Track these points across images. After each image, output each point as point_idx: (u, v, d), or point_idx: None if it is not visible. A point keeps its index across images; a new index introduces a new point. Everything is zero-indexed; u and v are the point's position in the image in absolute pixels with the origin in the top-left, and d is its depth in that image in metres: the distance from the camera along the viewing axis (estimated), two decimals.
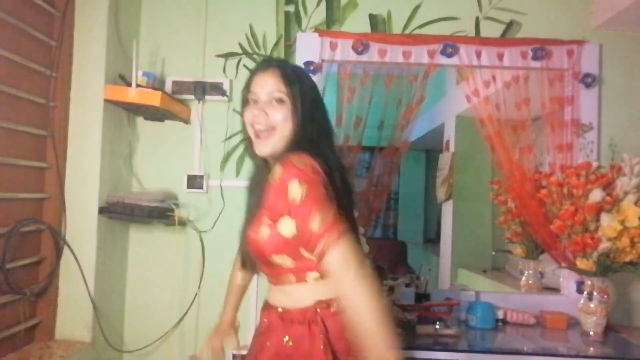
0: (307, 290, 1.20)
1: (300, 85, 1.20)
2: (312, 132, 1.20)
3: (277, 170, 1.10)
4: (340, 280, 1.03)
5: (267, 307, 1.27)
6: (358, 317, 1.01)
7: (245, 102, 1.25)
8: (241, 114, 1.26)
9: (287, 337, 1.18)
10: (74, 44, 1.85)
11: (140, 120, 2.12)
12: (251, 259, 1.26)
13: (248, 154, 1.32)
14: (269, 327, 1.23)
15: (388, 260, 2.49)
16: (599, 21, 2.04)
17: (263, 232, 1.16)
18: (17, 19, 1.60)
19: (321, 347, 1.13)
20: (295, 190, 1.06)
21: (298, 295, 1.20)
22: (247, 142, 1.27)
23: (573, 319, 1.90)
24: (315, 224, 1.04)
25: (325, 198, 1.07)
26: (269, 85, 1.19)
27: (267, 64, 1.23)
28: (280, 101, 1.19)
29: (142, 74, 1.92)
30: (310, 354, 1.14)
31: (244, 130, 1.26)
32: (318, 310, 1.17)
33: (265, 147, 1.19)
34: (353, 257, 1.03)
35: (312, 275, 1.19)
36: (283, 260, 1.17)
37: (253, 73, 1.24)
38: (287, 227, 1.11)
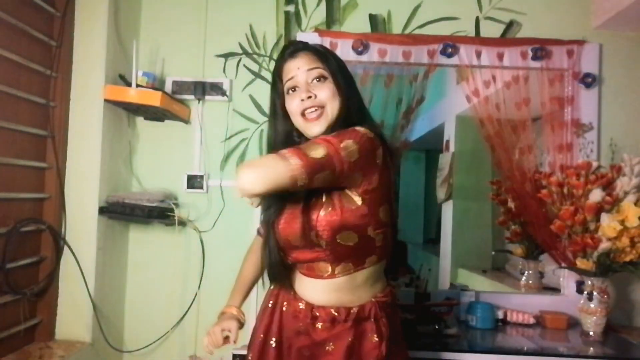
0: (365, 279, 1.18)
1: (334, 59, 1.21)
2: (356, 104, 1.21)
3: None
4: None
5: (308, 306, 1.18)
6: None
7: (278, 95, 1.21)
8: (274, 108, 1.22)
9: (350, 338, 1.16)
10: (74, 44, 1.85)
11: (140, 120, 2.12)
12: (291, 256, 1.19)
13: (274, 141, 1.23)
14: (321, 329, 1.16)
15: None
16: (599, 21, 2.04)
17: (350, 204, 1.11)
18: (17, 19, 1.60)
19: (384, 342, 1.16)
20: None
21: (355, 289, 1.18)
22: (281, 127, 1.22)
23: (573, 319, 1.90)
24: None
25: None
26: (306, 65, 1.17)
27: (293, 48, 1.21)
28: (321, 78, 1.17)
29: (142, 74, 1.92)
30: (376, 347, 1.16)
31: (276, 121, 1.22)
32: (377, 301, 1.19)
33: (318, 127, 1.16)
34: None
35: (370, 260, 1.18)
36: (376, 235, 1.15)
37: (281, 61, 1.21)
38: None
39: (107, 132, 1.90)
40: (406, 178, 2.84)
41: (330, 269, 1.16)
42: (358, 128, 1.12)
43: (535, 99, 2.04)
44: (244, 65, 2.12)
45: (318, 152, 1.03)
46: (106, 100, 1.87)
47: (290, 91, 1.19)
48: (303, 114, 1.17)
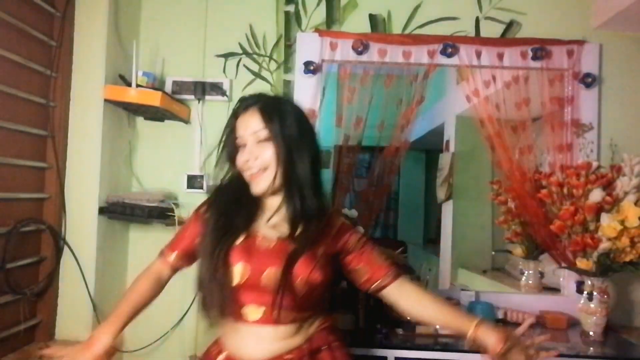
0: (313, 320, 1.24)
1: (280, 120, 1.17)
2: (306, 169, 1.18)
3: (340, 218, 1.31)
4: None
5: None
6: None
7: (232, 147, 1.21)
8: (228, 156, 1.23)
9: None
10: (74, 44, 1.85)
11: (140, 120, 2.12)
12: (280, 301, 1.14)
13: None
14: None
15: None
16: (599, 21, 2.04)
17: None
18: (17, 19, 1.60)
19: None
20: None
21: (300, 332, 1.20)
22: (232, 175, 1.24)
23: (573, 319, 1.90)
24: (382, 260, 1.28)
25: None
26: (252, 127, 1.17)
27: (246, 103, 1.21)
28: (266, 140, 1.16)
29: (142, 74, 1.92)
30: None
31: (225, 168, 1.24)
32: (322, 329, 1.25)
33: (261, 185, 1.18)
34: None
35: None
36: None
37: (235, 115, 1.22)
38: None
39: (107, 132, 1.90)
40: (406, 178, 2.84)
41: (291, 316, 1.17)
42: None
43: (535, 99, 2.04)
44: (244, 65, 2.12)
45: None
46: (106, 100, 1.87)
47: (241, 147, 1.20)
48: (247, 172, 1.19)
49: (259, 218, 1.22)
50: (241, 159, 1.19)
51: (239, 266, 1.14)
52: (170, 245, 1.32)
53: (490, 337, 1.15)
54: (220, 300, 1.15)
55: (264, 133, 1.16)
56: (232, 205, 1.21)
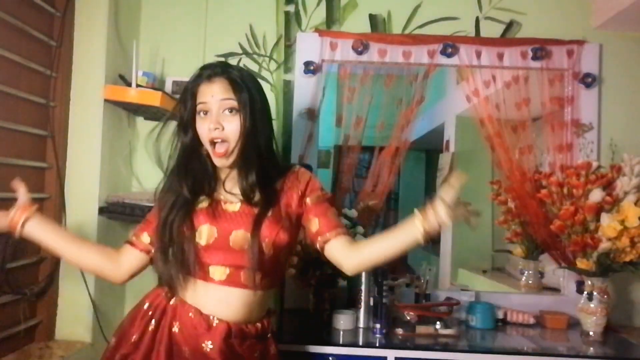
0: (268, 297, 1.30)
1: (250, 90, 1.21)
2: (266, 139, 1.25)
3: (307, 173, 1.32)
4: None
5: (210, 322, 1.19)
6: None
7: (187, 110, 1.23)
8: (182, 123, 1.25)
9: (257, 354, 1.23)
10: (74, 44, 1.84)
11: (140, 120, 2.12)
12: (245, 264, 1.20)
13: (185, 152, 1.26)
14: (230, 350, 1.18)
15: None
16: (599, 21, 2.04)
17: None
18: (17, 19, 1.59)
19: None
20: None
21: (259, 305, 1.26)
22: (190, 141, 1.25)
23: (573, 319, 1.90)
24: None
25: None
26: (220, 94, 1.19)
27: (211, 71, 1.21)
28: (232, 110, 1.19)
29: (142, 74, 1.92)
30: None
31: (183, 133, 1.25)
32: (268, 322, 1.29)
33: (223, 161, 1.21)
34: None
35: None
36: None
37: (197, 82, 1.22)
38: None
39: (107, 132, 1.90)
40: (406, 178, 2.83)
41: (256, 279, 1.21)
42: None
43: (535, 99, 2.04)
44: (244, 65, 2.11)
45: None
46: (106, 100, 1.87)
47: (202, 114, 1.21)
48: (212, 143, 1.21)
49: (216, 184, 1.27)
50: (203, 126, 1.20)
51: (205, 227, 1.20)
52: (137, 231, 1.33)
53: (439, 211, 1.21)
54: (184, 260, 1.19)
55: (231, 103, 1.19)
56: (187, 173, 1.24)
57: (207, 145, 1.22)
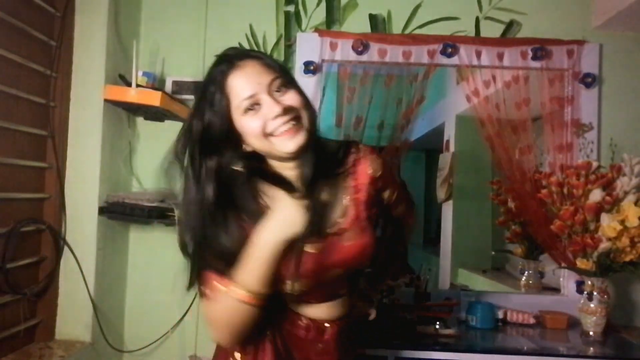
0: None
1: (277, 62, 1.03)
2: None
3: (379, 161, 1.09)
4: None
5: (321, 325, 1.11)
6: None
7: (217, 114, 0.97)
8: (215, 135, 0.99)
9: None
10: (74, 44, 1.85)
11: (140, 120, 2.12)
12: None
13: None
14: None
15: None
16: (599, 21, 2.04)
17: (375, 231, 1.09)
18: (17, 19, 1.60)
19: None
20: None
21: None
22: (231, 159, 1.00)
23: (573, 319, 1.90)
24: None
25: None
26: (264, 76, 0.95)
27: (240, 57, 0.98)
28: (285, 86, 0.97)
29: (142, 74, 1.92)
30: None
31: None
32: None
33: (295, 140, 0.96)
34: None
35: None
36: None
37: (225, 74, 0.96)
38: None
39: (107, 132, 1.90)
40: (406, 178, 2.84)
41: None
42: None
43: (535, 99, 2.04)
44: None
45: None
46: (106, 100, 1.87)
47: (253, 108, 0.95)
48: (272, 131, 0.95)
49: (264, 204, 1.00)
50: (257, 121, 0.95)
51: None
52: None
53: None
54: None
55: (279, 80, 0.96)
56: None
57: (262, 142, 0.97)
